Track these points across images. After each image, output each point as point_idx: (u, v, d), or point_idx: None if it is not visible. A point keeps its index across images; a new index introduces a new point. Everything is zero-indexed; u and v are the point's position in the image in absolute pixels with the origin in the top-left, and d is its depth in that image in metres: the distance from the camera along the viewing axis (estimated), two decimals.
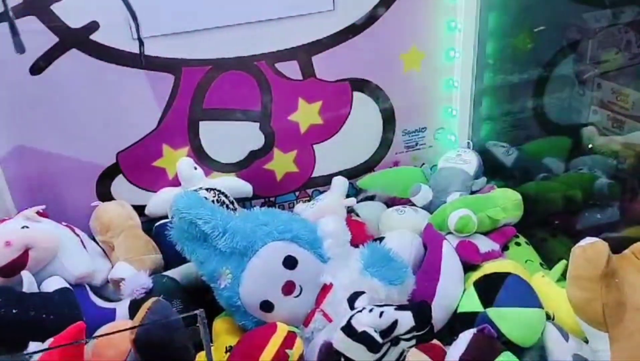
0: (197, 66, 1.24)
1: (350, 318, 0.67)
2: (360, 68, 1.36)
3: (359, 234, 1.18)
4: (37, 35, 1.12)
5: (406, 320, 0.64)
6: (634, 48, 1.28)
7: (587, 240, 0.92)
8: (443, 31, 1.37)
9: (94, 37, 1.15)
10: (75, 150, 1.23)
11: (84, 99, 1.19)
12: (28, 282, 1.03)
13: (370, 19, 1.31)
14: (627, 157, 1.23)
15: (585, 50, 1.32)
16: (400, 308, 0.66)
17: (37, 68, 1.14)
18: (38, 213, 1.14)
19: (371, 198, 1.42)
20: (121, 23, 1.15)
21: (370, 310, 0.66)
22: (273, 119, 1.34)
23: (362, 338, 0.64)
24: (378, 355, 0.65)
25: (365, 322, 0.65)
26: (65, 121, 1.20)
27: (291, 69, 1.30)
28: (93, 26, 1.14)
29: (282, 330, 0.95)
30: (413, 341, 0.65)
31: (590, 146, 1.22)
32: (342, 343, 0.66)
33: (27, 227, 1.08)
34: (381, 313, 0.65)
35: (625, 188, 1.22)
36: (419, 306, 0.65)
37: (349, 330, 0.66)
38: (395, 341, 0.66)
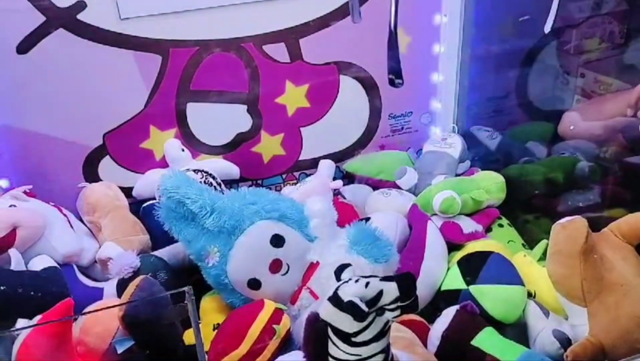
0: (185, 47, 1.24)
1: (337, 288, 0.69)
2: (348, 51, 1.36)
3: (346, 216, 1.20)
4: (24, 14, 1.11)
5: (391, 290, 0.66)
6: (617, 38, 1.30)
7: (568, 218, 0.95)
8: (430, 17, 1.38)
9: (81, 16, 1.15)
10: (62, 131, 1.23)
11: (71, 79, 1.19)
12: (16, 260, 1.03)
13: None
14: (606, 142, 1.25)
15: (569, 40, 1.33)
16: (385, 279, 0.67)
17: (23, 47, 1.14)
18: (25, 192, 1.14)
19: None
20: (108, 3, 1.15)
21: (357, 281, 0.68)
22: (260, 101, 1.35)
23: (349, 307, 0.66)
24: (364, 324, 0.67)
25: (352, 292, 0.66)
26: (52, 101, 1.20)
27: (279, 51, 1.31)
28: (80, 5, 1.14)
29: (269, 306, 0.97)
30: (398, 312, 0.67)
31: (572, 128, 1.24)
32: (329, 313, 0.68)
33: (15, 206, 1.08)
34: (367, 284, 0.67)
35: (605, 171, 1.25)
36: (403, 277, 0.67)
37: (335, 300, 0.67)
38: (381, 312, 0.67)
